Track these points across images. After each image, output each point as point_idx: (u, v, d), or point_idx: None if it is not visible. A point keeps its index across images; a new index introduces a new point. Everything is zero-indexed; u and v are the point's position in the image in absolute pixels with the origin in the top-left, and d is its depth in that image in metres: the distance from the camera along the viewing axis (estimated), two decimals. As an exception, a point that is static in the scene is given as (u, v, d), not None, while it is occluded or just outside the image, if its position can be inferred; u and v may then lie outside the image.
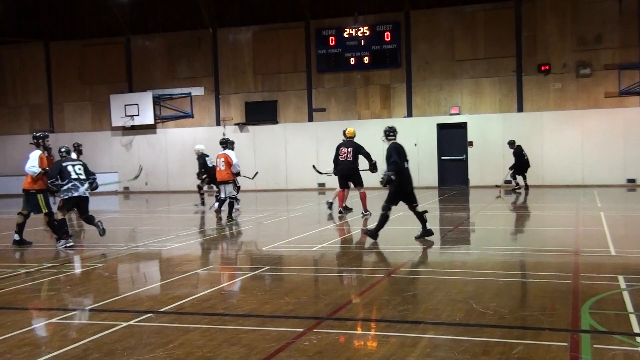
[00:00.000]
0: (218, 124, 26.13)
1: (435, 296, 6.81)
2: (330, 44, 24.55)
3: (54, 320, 6.24)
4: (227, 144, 15.13)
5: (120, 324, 5.98)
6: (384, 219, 10.58)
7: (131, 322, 6.05)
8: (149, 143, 26.91)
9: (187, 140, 26.06)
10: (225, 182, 14.82)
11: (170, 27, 26.55)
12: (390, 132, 10.79)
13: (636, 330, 5.47)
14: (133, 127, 26.80)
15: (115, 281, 8.63)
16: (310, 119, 25.13)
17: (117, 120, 26.62)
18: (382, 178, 10.50)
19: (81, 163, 11.75)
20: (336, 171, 14.84)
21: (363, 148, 14.77)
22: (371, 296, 6.94)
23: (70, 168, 11.39)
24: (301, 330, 5.63)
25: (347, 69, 24.56)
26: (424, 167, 23.39)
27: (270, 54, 25.43)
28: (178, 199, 22.44)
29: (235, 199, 15.14)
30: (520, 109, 23.05)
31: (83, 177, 11.46)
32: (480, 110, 23.49)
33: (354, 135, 15.07)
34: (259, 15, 25.56)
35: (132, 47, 27.10)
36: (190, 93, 26.39)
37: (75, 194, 11.27)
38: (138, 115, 26.24)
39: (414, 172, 22.84)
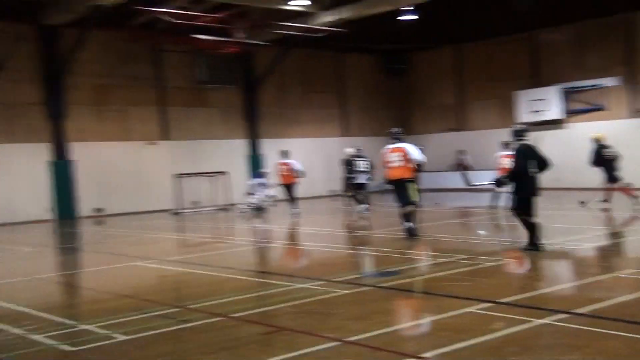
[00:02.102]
0: (635, 116, 24.10)
1: None
2: None
3: (471, 309, 6.56)
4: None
5: (535, 321, 5.99)
6: None
7: (546, 320, 6.01)
8: (556, 138, 26.22)
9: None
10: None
11: (579, 16, 25.41)
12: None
13: None
14: (539, 123, 26.44)
15: (527, 277, 8.69)
16: None
17: (523, 116, 26.57)
18: None
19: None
20: None
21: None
22: None
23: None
24: None
25: None
26: None
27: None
28: (588, 196, 21.37)
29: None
30: None
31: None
32: None
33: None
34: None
35: (538, 41, 26.75)
36: (601, 84, 24.88)
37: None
38: (544, 110, 25.80)
39: None
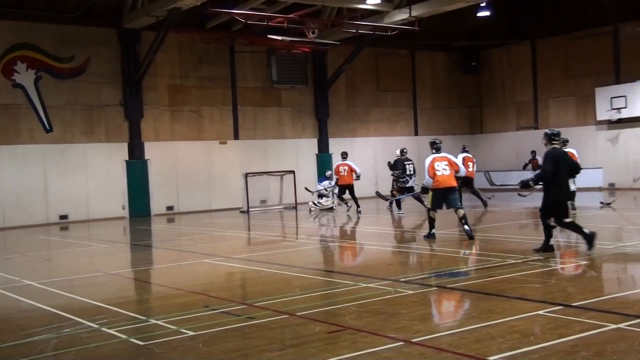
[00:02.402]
0: None
1: None
2: None
3: (541, 312, 6.38)
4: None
5: (609, 326, 5.77)
6: None
7: (620, 325, 5.78)
8: (638, 137, 25.20)
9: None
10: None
11: (664, 9, 24.32)
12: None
13: None
14: (619, 121, 25.48)
15: (601, 280, 8.38)
16: None
17: (603, 113, 25.65)
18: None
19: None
20: None
21: None
22: None
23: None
24: None
25: None
26: None
27: None
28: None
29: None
30: None
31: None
32: None
33: None
34: None
35: (620, 35, 25.74)
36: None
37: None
38: (625, 107, 24.82)
39: None
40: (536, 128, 28.55)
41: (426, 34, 28.22)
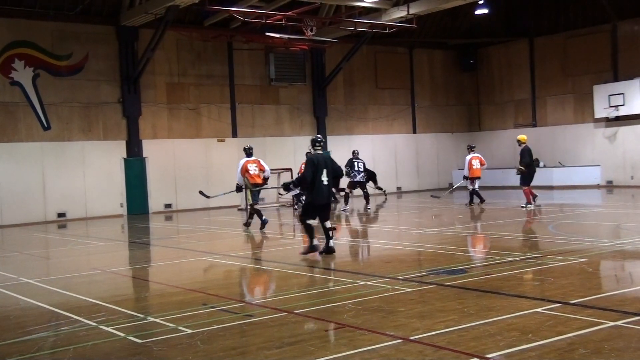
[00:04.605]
0: None
1: None
2: None
3: (539, 309, 6.39)
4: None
5: (607, 323, 5.78)
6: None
7: (618, 323, 5.79)
8: (636, 134, 25.25)
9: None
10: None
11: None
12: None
13: None
14: (617, 118, 25.51)
15: (598, 278, 8.39)
16: None
17: (601, 111, 25.68)
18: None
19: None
20: None
21: None
22: None
23: None
24: None
25: None
26: None
27: None
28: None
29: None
30: None
31: None
32: None
33: None
34: None
35: (618, 33, 25.75)
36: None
37: None
38: (623, 105, 24.84)
39: None
40: (534, 126, 28.57)
41: (424, 32, 28.22)
